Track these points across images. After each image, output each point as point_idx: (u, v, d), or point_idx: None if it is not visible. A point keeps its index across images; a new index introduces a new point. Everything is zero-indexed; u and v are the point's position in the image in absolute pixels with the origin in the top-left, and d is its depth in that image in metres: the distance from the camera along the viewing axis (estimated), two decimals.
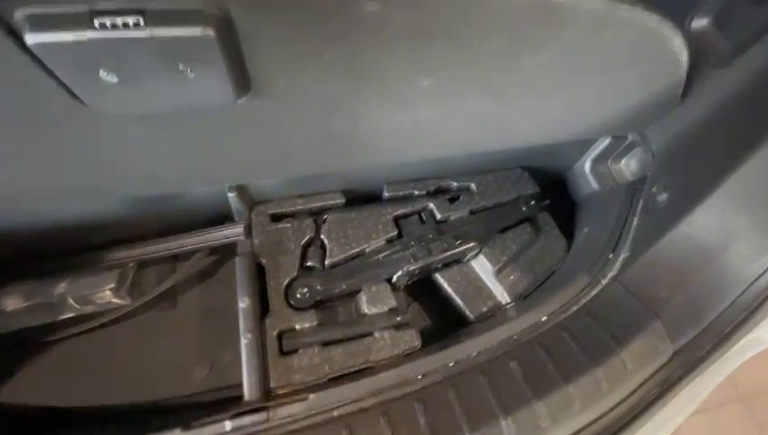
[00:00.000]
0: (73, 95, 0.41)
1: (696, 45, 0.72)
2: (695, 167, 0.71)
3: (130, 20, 0.34)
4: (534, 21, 0.46)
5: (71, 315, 0.71)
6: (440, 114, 0.58)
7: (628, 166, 0.88)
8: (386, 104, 0.53)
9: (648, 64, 0.60)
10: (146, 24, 0.34)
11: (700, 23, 0.73)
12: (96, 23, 0.34)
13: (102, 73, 0.37)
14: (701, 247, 0.67)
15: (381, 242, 0.79)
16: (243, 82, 0.44)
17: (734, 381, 1.60)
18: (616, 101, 0.67)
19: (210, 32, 0.35)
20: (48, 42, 0.34)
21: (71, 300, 0.70)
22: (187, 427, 0.55)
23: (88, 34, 0.34)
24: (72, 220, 0.68)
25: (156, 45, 0.35)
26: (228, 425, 0.55)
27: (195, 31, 0.35)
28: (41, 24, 0.33)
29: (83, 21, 0.34)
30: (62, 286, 0.70)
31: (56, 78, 0.38)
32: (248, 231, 0.75)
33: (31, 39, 0.34)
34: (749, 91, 0.66)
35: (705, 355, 0.65)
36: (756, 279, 0.63)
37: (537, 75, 0.55)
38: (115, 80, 0.38)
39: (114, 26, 0.34)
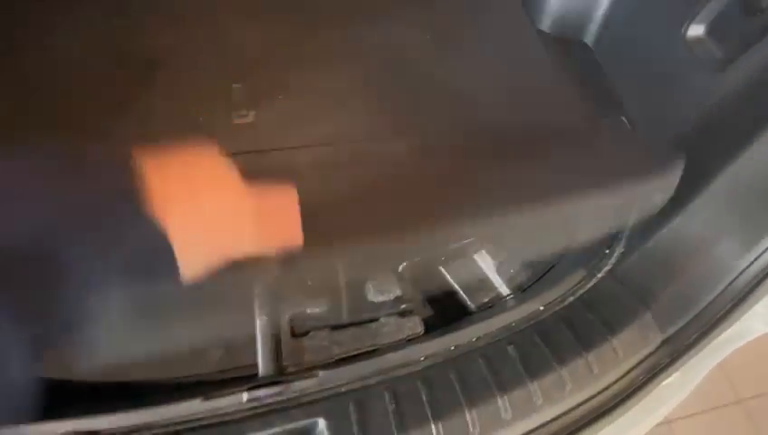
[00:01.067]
0: None
1: (691, 52, 0.77)
2: (686, 167, 0.75)
3: None
4: None
5: None
6: None
7: None
8: None
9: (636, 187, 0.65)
10: None
11: (695, 30, 0.78)
12: None
13: None
14: (692, 243, 0.71)
15: None
16: None
17: (732, 385, 1.59)
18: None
19: None
20: None
21: None
22: (206, 397, 0.60)
23: None
24: None
25: None
26: (245, 396, 0.59)
27: None
28: None
29: None
30: None
31: None
32: None
33: None
34: (739, 96, 0.70)
35: (693, 343, 0.69)
36: (743, 271, 0.67)
37: None
38: None
39: None
